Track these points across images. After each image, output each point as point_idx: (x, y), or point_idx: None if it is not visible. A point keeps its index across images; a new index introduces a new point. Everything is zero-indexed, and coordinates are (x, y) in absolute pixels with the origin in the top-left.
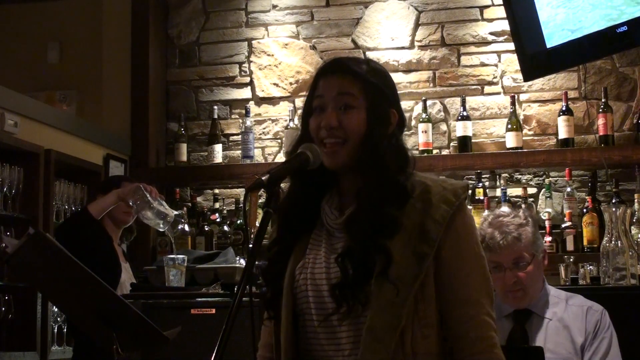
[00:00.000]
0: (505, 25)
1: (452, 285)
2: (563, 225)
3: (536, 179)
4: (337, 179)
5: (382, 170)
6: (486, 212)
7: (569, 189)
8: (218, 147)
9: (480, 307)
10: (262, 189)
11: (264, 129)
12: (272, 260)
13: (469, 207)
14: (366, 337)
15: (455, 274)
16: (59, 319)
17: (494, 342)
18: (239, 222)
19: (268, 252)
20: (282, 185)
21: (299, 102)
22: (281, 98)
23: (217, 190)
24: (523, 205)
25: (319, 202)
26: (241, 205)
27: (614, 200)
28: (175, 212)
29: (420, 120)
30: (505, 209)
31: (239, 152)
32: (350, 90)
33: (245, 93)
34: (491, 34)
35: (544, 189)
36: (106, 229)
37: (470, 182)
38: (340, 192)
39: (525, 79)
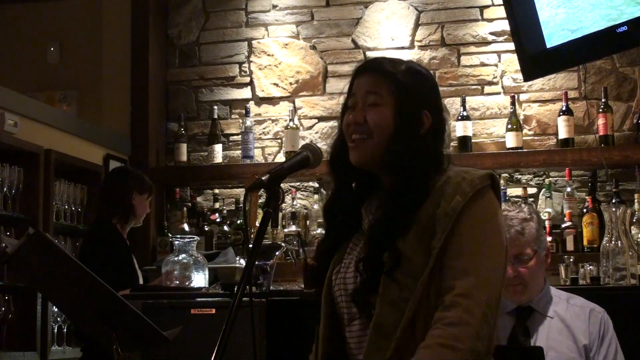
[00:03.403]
0: (505, 25)
1: (448, 272)
2: (563, 225)
3: (536, 179)
4: (379, 181)
5: (410, 173)
6: None
7: (569, 189)
8: (218, 147)
9: (465, 295)
10: (262, 189)
11: (264, 129)
12: (319, 262)
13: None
14: (372, 334)
15: (457, 263)
16: (59, 319)
17: (447, 322)
18: (239, 222)
19: (315, 252)
20: (282, 185)
21: (299, 102)
22: (281, 98)
23: (217, 190)
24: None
25: (362, 204)
26: (241, 205)
27: (614, 200)
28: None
29: None
30: (510, 204)
31: (239, 152)
32: (378, 89)
33: (245, 93)
34: (491, 34)
35: (544, 189)
36: (119, 229)
37: None
38: (380, 195)
39: (525, 79)
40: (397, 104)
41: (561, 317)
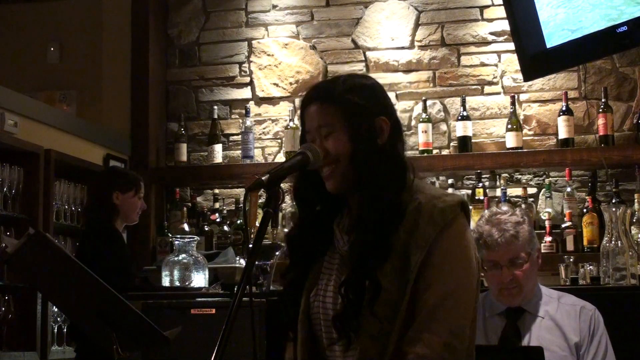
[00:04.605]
0: (505, 25)
1: (418, 302)
2: (563, 225)
3: (536, 179)
4: (346, 199)
5: (377, 188)
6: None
7: (569, 189)
8: (218, 147)
9: (424, 330)
10: (262, 189)
11: (264, 129)
12: (289, 286)
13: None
14: None
15: (424, 296)
16: (59, 319)
17: (410, 358)
18: (239, 222)
19: (283, 279)
20: (282, 185)
21: (299, 102)
22: (281, 98)
23: (217, 190)
24: (523, 205)
25: (331, 223)
26: (241, 205)
27: (614, 200)
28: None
29: (420, 120)
30: (502, 207)
31: (239, 152)
32: (326, 117)
33: (245, 93)
34: (491, 34)
35: (544, 189)
36: (116, 227)
37: (470, 182)
38: (350, 212)
39: (525, 79)
40: (347, 123)
41: (552, 316)
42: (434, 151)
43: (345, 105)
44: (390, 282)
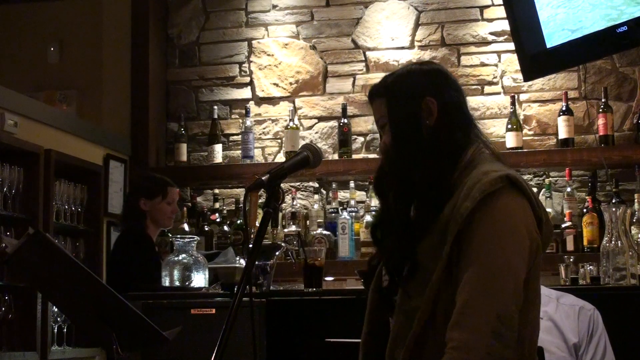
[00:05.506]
0: (505, 25)
1: (458, 285)
2: (563, 225)
3: (536, 179)
4: None
5: (411, 168)
6: None
7: (569, 189)
8: (218, 147)
9: (470, 314)
10: (262, 189)
11: (264, 129)
12: (371, 267)
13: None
14: (391, 342)
15: (460, 275)
16: (59, 319)
17: (453, 345)
18: (239, 222)
19: (369, 265)
20: (282, 185)
21: (299, 102)
22: (281, 98)
23: (217, 190)
24: None
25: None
26: (241, 205)
27: (614, 200)
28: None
29: None
30: None
31: (239, 152)
32: (378, 112)
33: (245, 93)
34: (491, 34)
35: (544, 189)
36: (148, 232)
37: None
38: None
39: (525, 79)
40: (389, 116)
41: (550, 316)
42: None
43: (388, 95)
44: (429, 258)
